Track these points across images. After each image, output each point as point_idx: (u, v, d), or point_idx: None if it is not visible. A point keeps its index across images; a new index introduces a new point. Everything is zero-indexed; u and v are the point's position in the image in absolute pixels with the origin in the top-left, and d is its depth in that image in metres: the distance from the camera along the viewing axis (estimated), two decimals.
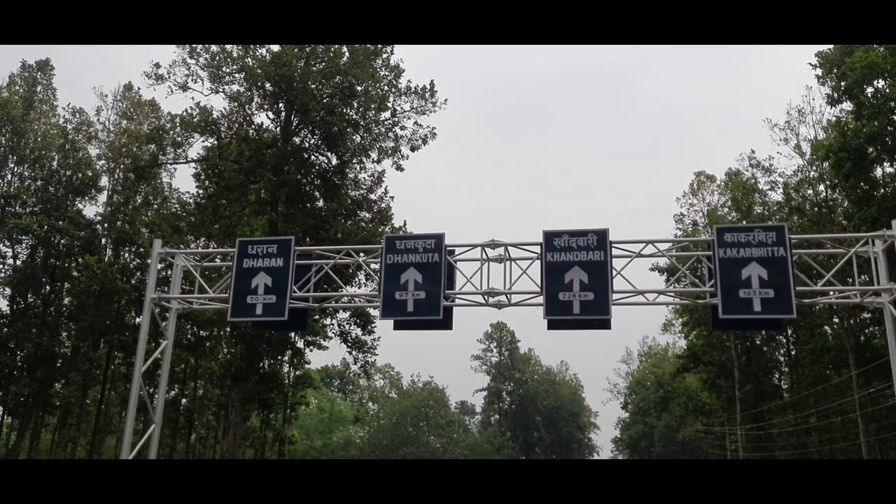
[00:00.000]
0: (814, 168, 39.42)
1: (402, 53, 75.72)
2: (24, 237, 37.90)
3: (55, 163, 39.98)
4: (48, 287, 39.28)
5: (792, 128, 39.93)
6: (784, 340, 49.62)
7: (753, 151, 43.15)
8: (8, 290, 38.59)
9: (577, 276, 15.94)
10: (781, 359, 52.30)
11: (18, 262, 38.57)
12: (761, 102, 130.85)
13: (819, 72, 33.88)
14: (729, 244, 15.78)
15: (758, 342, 50.45)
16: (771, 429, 48.24)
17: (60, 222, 37.77)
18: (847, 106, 32.65)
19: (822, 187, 39.42)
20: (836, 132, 32.85)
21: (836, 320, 40.60)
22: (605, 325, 16.10)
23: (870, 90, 30.31)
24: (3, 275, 38.71)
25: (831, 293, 17.82)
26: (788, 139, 40.10)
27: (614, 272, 16.13)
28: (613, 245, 16.33)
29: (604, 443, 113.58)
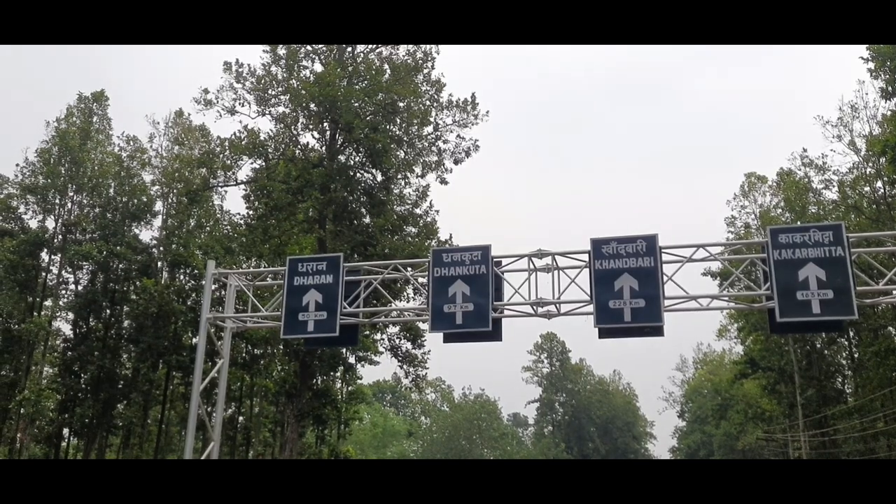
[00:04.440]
0: (870, 164, 38.21)
1: (443, 60, 75.92)
2: (84, 263, 39.16)
3: (112, 190, 41.26)
4: (108, 311, 40.46)
5: (845, 124, 38.77)
6: (846, 343, 47.98)
7: (805, 150, 42.06)
8: (71, 315, 39.94)
9: (627, 284, 15.76)
10: (844, 362, 50.54)
11: (80, 288, 39.89)
12: (809, 99, 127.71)
13: (871, 65, 32.93)
14: (784, 245, 15.41)
15: (818, 345, 48.91)
16: (836, 434, 46.63)
17: (118, 247, 38.92)
18: None
19: (879, 184, 38.21)
20: (893, 126, 31.88)
21: None
22: (658, 331, 15.87)
23: None
24: (66, 300, 40.09)
25: (894, 292, 17.20)
26: (842, 136, 38.92)
27: (665, 278, 15.89)
28: (663, 250, 16.10)
29: (661, 452, 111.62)
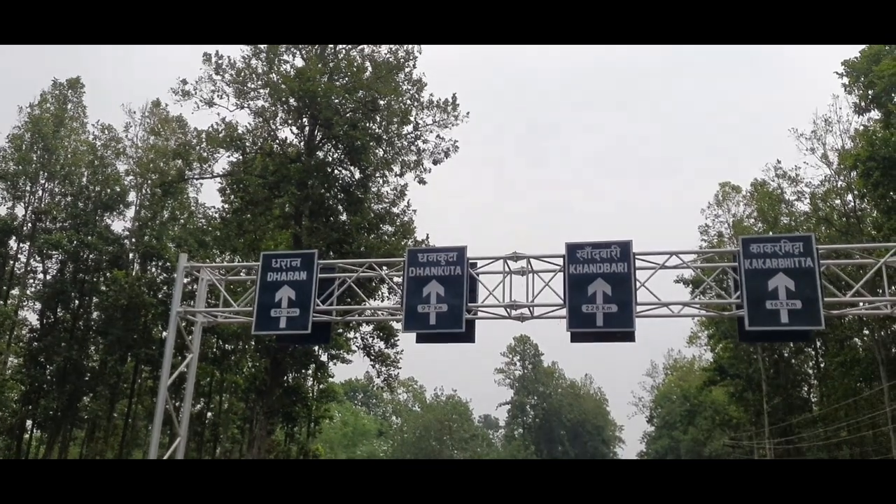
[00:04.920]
0: (841, 178, 38.88)
1: (424, 60, 75.84)
2: (54, 252, 38.55)
3: (84, 179, 40.66)
4: (77, 301, 39.85)
5: (819, 137, 39.40)
6: (813, 353, 48.79)
7: (780, 162, 42.72)
8: (38, 305, 39.26)
9: (600, 289, 15.82)
10: (810, 371, 51.41)
11: (48, 277, 39.23)
12: (786, 112, 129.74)
13: (846, 80, 33.54)
14: (755, 255, 15.58)
15: (786, 354, 49.68)
16: (800, 443, 47.38)
17: (89, 237, 38.35)
18: (875, 114, 32.27)
19: (850, 197, 38.89)
20: (864, 141, 32.45)
21: (866, 332, 39.90)
22: (629, 337, 15.95)
23: None
24: (33, 289, 39.40)
25: (861, 304, 17.49)
26: (815, 149, 39.57)
27: (638, 284, 15.99)
28: (637, 256, 16.19)
29: (629, 457, 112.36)
